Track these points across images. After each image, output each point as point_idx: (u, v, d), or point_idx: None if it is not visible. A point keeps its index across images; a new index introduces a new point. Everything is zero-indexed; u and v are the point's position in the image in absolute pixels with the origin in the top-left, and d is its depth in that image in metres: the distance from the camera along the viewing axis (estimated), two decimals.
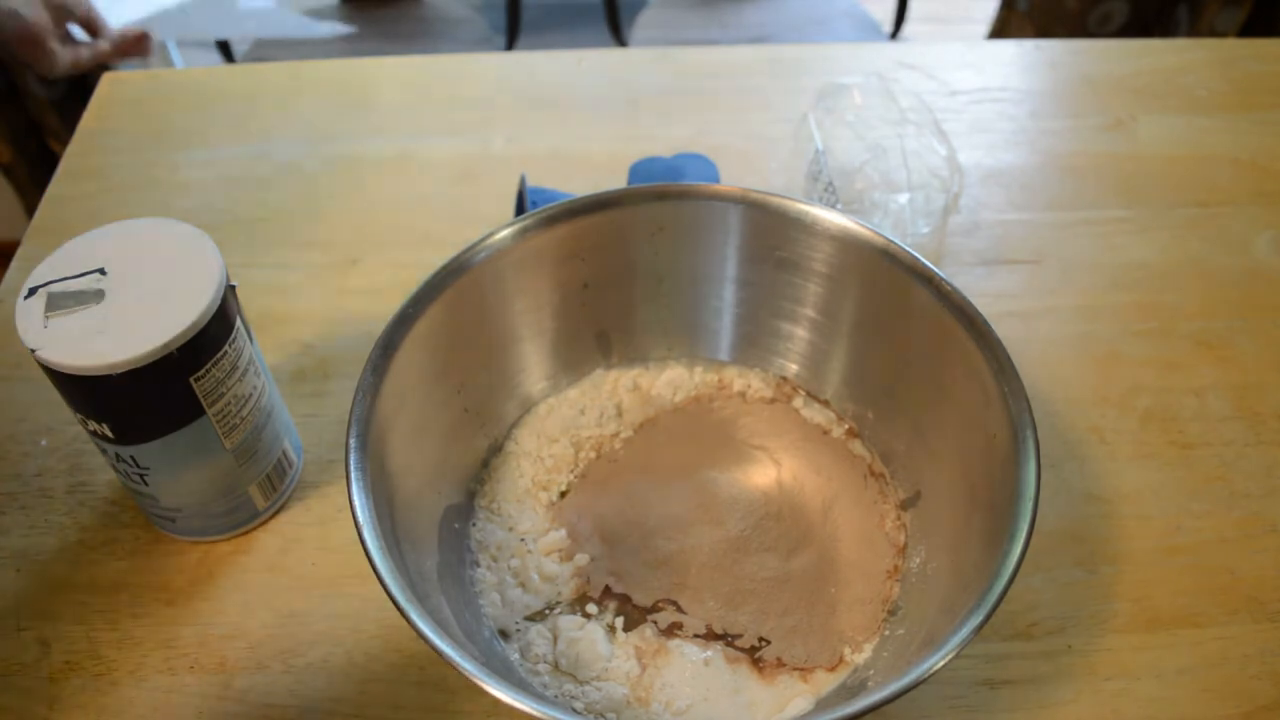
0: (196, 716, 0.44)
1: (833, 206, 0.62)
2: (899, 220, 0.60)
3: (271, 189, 0.70)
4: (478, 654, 0.40)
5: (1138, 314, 0.62)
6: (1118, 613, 0.48)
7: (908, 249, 0.46)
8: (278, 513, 0.51)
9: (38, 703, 0.44)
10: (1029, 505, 0.38)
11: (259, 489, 0.50)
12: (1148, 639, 0.47)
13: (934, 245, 0.62)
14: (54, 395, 0.43)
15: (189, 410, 0.43)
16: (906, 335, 0.48)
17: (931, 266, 0.46)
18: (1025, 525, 0.37)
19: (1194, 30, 1.27)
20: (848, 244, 0.48)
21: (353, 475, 0.39)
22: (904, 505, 0.48)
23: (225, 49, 1.51)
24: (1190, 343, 0.60)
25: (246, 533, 0.51)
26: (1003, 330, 0.43)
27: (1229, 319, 0.62)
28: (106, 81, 0.78)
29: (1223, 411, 0.57)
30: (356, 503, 0.38)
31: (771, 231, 0.50)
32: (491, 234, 0.48)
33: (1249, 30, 1.23)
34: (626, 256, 0.52)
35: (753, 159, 0.72)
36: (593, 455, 0.52)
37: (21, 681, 0.45)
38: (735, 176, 0.67)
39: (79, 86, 1.02)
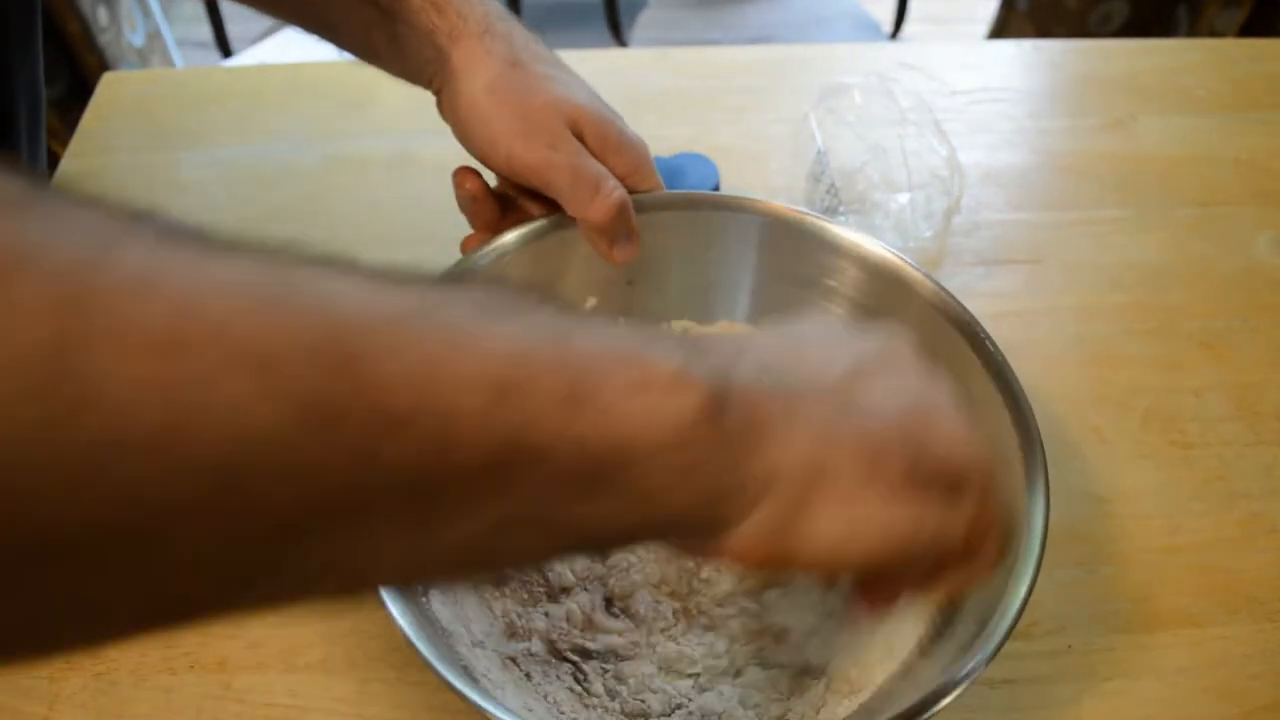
0: (196, 716, 0.44)
1: (834, 208, 0.62)
2: (900, 221, 0.60)
3: (271, 189, 0.70)
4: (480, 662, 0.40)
5: (1138, 314, 0.62)
6: (1118, 613, 0.48)
7: (913, 264, 0.46)
8: None
9: (38, 703, 0.44)
10: (1038, 538, 0.38)
11: None
12: (1148, 639, 0.47)
13: (936, 248, 0.62)
14: None
15: None
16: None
17: (929, 275, 0.45)
18: (1032, 567, 0.37)
19: (1194, 30, 1.27)
20: (864, 263, 0.48)
21: None
22: None
23: (224, 48, 1.51)
24: (1190, 343, 0.60)
25: None
26: (1003, 330, 0.43)
27: (1229, 319, 0.62)
28: (106, 81, 0.78)
29: (1222, 411, 0.57)
30: None
31: (792, 248, 0.49)
32: (501, 237, 0.49)
33: (1249, 30, 1.23)
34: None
35: (753, 159, 0.72)
36: None
37: (21, 681, 0.45)
38: (735, 177, 0.67)
39: (79, 86, 1.02)
